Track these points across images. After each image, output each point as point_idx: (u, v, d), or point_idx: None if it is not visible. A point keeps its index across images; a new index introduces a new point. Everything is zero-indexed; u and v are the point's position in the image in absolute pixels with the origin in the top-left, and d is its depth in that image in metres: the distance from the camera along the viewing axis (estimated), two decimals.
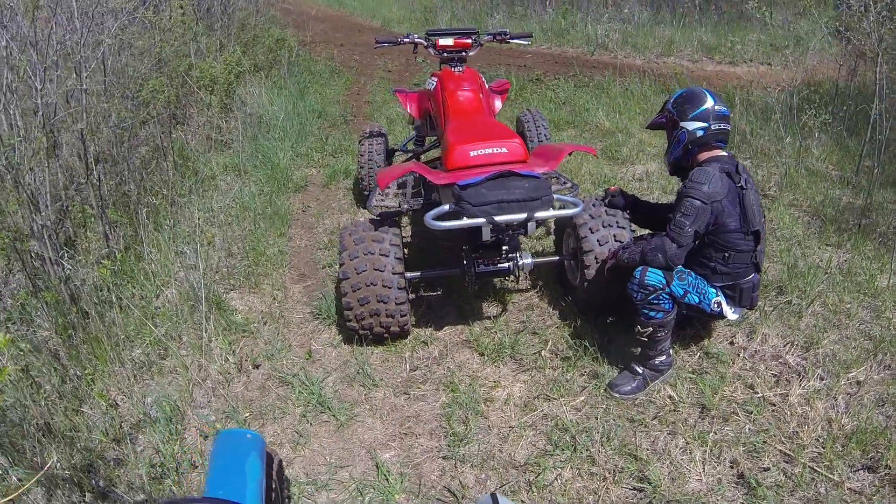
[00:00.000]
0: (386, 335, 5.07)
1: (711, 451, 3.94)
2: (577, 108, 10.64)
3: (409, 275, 5.02)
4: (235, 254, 6.45)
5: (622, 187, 5.62)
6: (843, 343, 4.75)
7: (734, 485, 3.75)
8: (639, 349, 4.53)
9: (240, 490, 2.49)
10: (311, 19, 19.01)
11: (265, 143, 9.28)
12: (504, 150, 4.82)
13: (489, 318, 5.46)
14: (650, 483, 3.74)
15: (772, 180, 7.34)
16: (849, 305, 5.15)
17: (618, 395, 4.43)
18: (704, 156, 4.42)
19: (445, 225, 4.55)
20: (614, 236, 4.93)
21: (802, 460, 3.79)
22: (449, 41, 6.40)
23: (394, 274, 4.78)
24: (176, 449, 4.11)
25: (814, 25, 13.36)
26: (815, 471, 3.75)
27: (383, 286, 4.75)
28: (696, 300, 4.35)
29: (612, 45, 15.02)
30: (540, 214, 4.57)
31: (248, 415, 4.55)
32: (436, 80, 6.11)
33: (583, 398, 4.48)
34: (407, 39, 6.61)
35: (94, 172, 6.16)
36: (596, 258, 4.91)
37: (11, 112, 5.65)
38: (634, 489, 3.78)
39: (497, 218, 4.48)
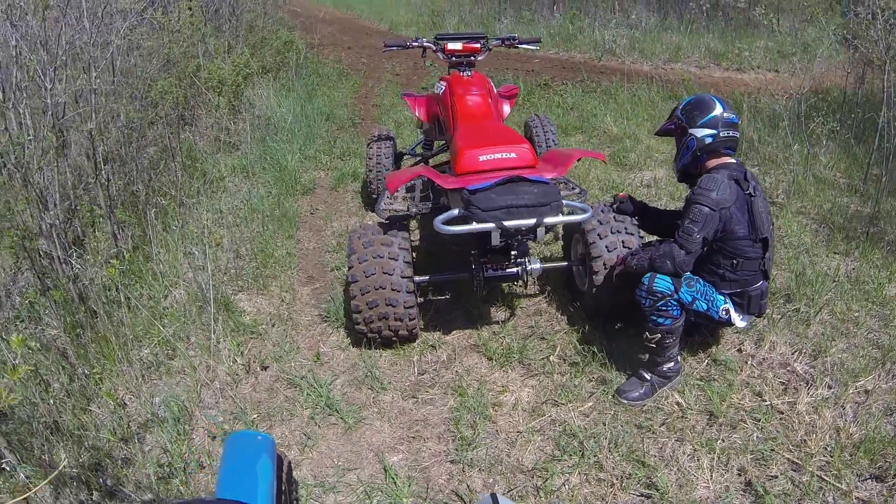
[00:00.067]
0: (394, 339, 5.07)
1: (719, 458, 3.94)
2: (585, 114, 10.64)
3: (417, 278, 5.03)
4: (244, 255, 6.47)
5: (630, 193, 5.61)
6: (851, 351, 4.75)
7: (742, 492, 3.75)
8: (647, 355, 4.53)
9: (251, 491, 2.49)
10: (319, 22, 19.06)
11: (273, 145, 9.30)
12: (513, 154, 4.84)
13: (497, 322, 5.46)
14: (658, 490, 3.74)
15: (779, 188, 7.33)
16: (857, 314, 5.15)
17: (626, 402, 4.43)
18: (713, 163, 4.42)
19: (455, 229, 4.56)
20: (623, 242, 4.93)
21: (810, 469, 3.79)
22: (458, 45, 6.41)
23: (402, 278, 4.78)
24: (184, 449, 4.12)
25: (821, 33, 13.38)
26: (823, 479, 3.75)
27: (392, 290, 4.76)
28: (705, 307, 4.36)
29: (619, 50, 15.03)
30: (549, 220, 4.57)
31: (255, 416, 4.56)
32: (444, 84, 6.12)
33: (591, 404, 4.48)
34: (416, 43, 6.62)
35: (103, 172, 6.18)
36: (604, 264, 4.91)
37: (21, 111, 5.67)
38: (642, 496, 3.78)
39: (506, 223, 4.49)
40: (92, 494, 3.68)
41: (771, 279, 4.83)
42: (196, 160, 8.50)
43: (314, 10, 24.66)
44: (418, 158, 7.37)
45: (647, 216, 5.17)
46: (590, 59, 15.01)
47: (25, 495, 3.31)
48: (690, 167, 4.54)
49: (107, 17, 7.70)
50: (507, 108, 6.59)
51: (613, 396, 4.49)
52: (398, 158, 7.63)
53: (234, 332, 5.33)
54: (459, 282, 5.60)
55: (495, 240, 4.61)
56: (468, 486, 3.91)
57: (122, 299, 5.20)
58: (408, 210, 5.60)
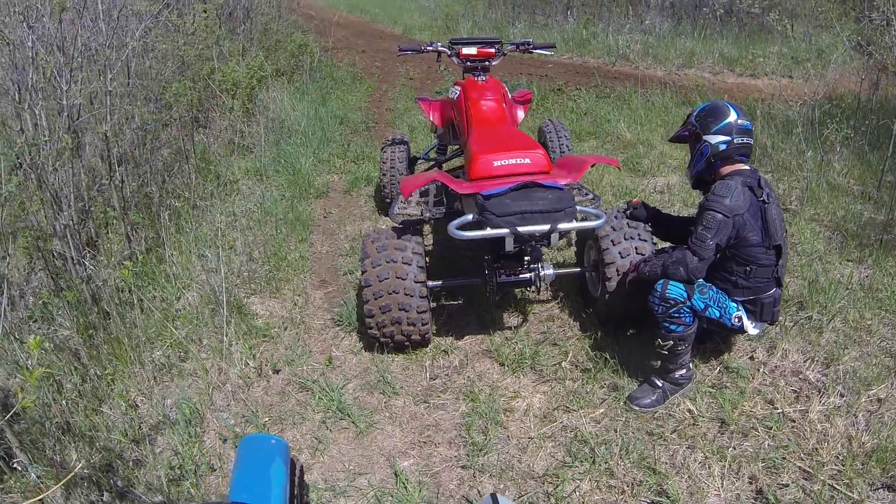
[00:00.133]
0: (407, 343, 5.08)
1: (730, 466, 3.94)
2: (599, 119, 10.64)
3: (430, 283, 5.04)
4: (257, 258, 6.49)
5: (643, 199, 5.61)
6: (863, 360, 4.73)
7: (753, 500, 3.75)
8: (659, 362, 4.54)
9: (264, 495, 2.51)
10: (333, 25, 19.05)
11: (287, 148, 9.33)
12: (527, 160, 4.84)
13: (510, 328, 5.47)
14: (668, 497, 3.75)
15: (793, 194, 7.32)
16: (870, 322, 5.14)
17: (637, 408, 4.43)
18: (727, 169, 4.42)
19: (469, 235, 4.57)
20: (636, 249, 4.93)
21: (822, 477, 3.78)
22: (472, 50, 6.42)
23: (416, 282, 4.79)
24: (195, 451, 4.14)
25: (835, 39, 13.32)
26: (835, 488, 3.74)
27: (405, 294, 4.76)
28: (717, 314, 4.36)
29: (633, 55, 15.01)
30: (563, 226, 4.58)
31: (267, 419, 4.58)
32: (459, 89, 6.13)
33: (602, 410, 4.48)
34: (430, 48, 6.63)
35: (117, 174, 6.21)
36: (617, 270, 4.91)
37: (37, 112, 5.71)
38: (653, 503, 3.78)
39: (520, 229, 4.49)
40: (103, 495, 3.70)
41: (784, 286, 4.82)
42: (210, 163, 8.53)
43: (328, 13, 24.66)
44: (432, 163, 7.39)
45: (660, 222, 5.17)
46: (603, 65, 15.01)
47: (40, 496, 3.33)
48: (704, 174, 4.54)
49: (122, 19, 7.74)
50: (521, 114, 6.60)
51: (625, 403, 4.49)
52: (412, 163, 7.64)
53: (246, 335, 5.35)
54: (472, 287, 5.61)
55: (509, 245, 4.62)
56: (479, 492, 3.93)
57: (135, 301, 5.22)
58: (421, 215, 5.62)
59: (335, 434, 4.45)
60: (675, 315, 4.28)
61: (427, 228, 7.02)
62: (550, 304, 5.74)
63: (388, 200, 7.35)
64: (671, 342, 4.34)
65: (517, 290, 5.78)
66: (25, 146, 5.27)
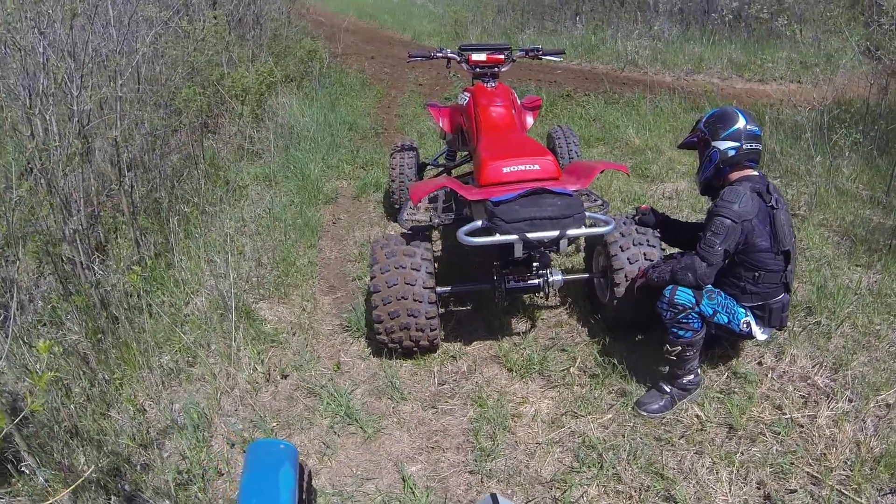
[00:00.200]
0: (415, 349, 5.09)
1: (738, 471, 3.93)
2: (607, 125, 10.64)
3: (439, 289, 5.04)
4: (265, 264, 6.50)
5: (652, 205, 5.61)
6: (872, 365, 4.72)
7: None
8: (667, 368, 4.54)
9: (273, 500, 2.52)
10: (343, 31, 19.08)
11: (296, 154, 9.35)
12: (537, 166, 4.84)
13: (518, 333, 5.47)
14: (676, 502, 3.74)
15: (801, 200, 7.31)
16: (878, 327, 5.13)
17: (645, 414, 4.43)
18: (736, 175, 4.42)
19: (478, 241, 4.57)
20: (644, 255, 4.93)
21: (830, 483, 3.77)
22: (482, 56, 6.42)
23: (425, 288, 4.80)
24: (203, 456, 4.15)
25: (844, 43, 13.31)
26: (843, 494, 3.73)
27: (414, 300, 4.77)
28: (726, 320, 4.35)
29: (641, 61, 15.02)
30: (572, 232, 4.58)
31: (275, 424, 4.58)
32: (468, 95, 6.14)
33: (610, 416, 4.48)
34: (440, 54, 6.64)
35: (127, 179, 6.23)
36: (626, 276, 4.91)
37: (47, 118, 5.73)
38: None
39: (529, 235, 4.50)
40: (110, 499, 3.71)
41: (792, 292, 4.81)
42: (219, 168, 8.56)
43: (338, 19, 24.71)
44: (441, 169, 7.40)
45: (668, 228, 5.18)
46: (612, 70, 15.02)
47: (50, 501, 3.34)
48: (713, 180, 4.54)
49: (133, 25, 7.77)
50: (530, 120, 6.60)
51: (633, 409, 4.49)
52: (421, 169, 7.66)
53: (254, 340, 5.36)
54: (481, 293, 5.62)
55: (518, 251, 4.62)
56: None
57: (144, 306, 5.24)
58: (430, 221, 5.62)
59: (343, 439, 4.46)
60: (684, 321, 4.29)
61: (436, 234, 7.02)
62: (559, 309, 5.75)
63: (397, 206, 7.36)
64: (679, 348, 4.34)
65: (525, 296, 5.79)
66: (36, 151, 5.29)
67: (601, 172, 5.64)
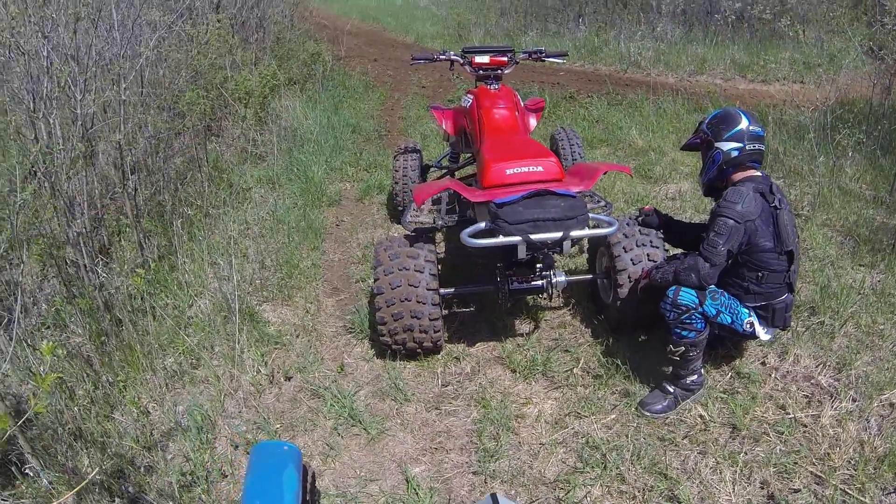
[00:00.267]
0: (419, 350, 5.09)
1: (742, 471, 3.93)
2: (611, 127, 10.65)
3: (443, 291, 5.05)
4: (269, 266, 6.51)
5: (655, 206, 5.62)
6: (875, 364, 4.72)
7: None
8: (670, 368, 4.54)
9: (277, 501, 2.52)
10: (346, 34, 19.09)
11: (299, 157, 9.36)
12: (540, 168, 4.85)
13: (521, 335, 5.48)
14: (680, 502, 3.74)
15: (805, 200, 7.31)
16: (882, 326, 5.13)
17: (649, 414, 4.43)
18: (739, 176, 4.42)
19: (481, 242, 4.57)
20: (648, 255, 4.93)
21: (833, 482, 3.77)
22: (485, 59, 6.43)
23: (428, 290, 4.80)
24: (206, 458, 4.16)
25: (847, 43, 13.31)
26: (847, 493, 3.73)
27: (417, 302, 4.77)
28: (729, 320, 4.36)
29: (644, 63, 15.01)
30: (575, 233, 4.58)
31: (278, 426, 4.59)
32: (471, 97, 6.15)
33: (614, 416, 4.48)
34: (443, 56, 6.65)
35: (130, 182, 6.25)
36: (629, 277, 4.91)
37: (51, 121, 5.74)
38: None
39: (533, 236, 4.50)
40: (114, 501, 3.71)
41: (796, 292, 4.82)
42: (222, 171, 8.57)
43: (341, 22, 24.76)
44: (444, 171, 7.41)
45: (672, 229, 5.18)
46: (615, 72, 15.02)
47: (55, 503, 3.35)
48: (716, 181, 4.54)
49: (136, 29, 7.79)
50: (533, 122, 6.60)
51: (636, 409, 4.49)
52: (424, 171, 7.67)
53: (258, 342, 5.36)
54: (484, 294, 5.62)
55: (521, 253, 4.62)
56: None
57: (147, 308, 5.25)
58: (434, 222, 5.62)
59: (347, 440, 4.46)
60: (687, 321, 4.29)
61: (439, 236, 7.03)
62: (562, 310, 5.75)
63: (400, 208, 7.37)
64: (683, 348, 4.34)
65: (529, 297, 5.79)
66: (40, 155, 5.30)
67: (604, 174, 5.64)
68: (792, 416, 4.32)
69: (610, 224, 4.81)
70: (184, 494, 3.85)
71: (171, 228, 6.49)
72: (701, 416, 4.39)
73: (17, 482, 3.76)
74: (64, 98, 6.04)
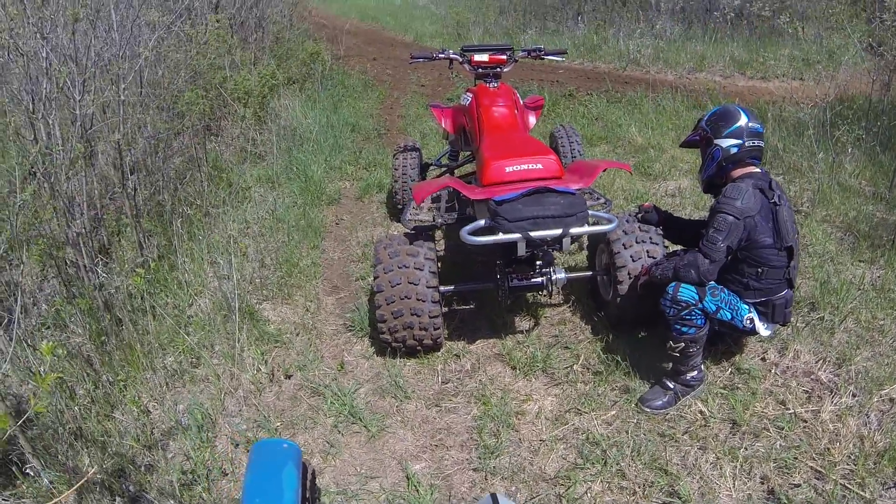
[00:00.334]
0: (419, 348, 5.10)
1: (742, 466, 3.94)
2: (610, 124, 10.65)
3: (442, 288, 5.05)
4: (268, 265, 6.51)
5: (655, 203, 5.61)
6: (875, 360, 4.72)
7: (764, 501, 3.74)
8: (670, 364, 4.54)
9: (276, 499, 2.52)
10: (345, 33, 19.08)
11: (299, 156, 9.36)
12: (539, 165, 4.85)
13: (521, 332, 5.48)
14: (680, 498, 3.75)
15: (804, 196, 7.31)
16: (882, 322, 5.13)
17: (649, 410, 4.44)
18: (738, 172, 4.42)
19: (481, 240, 4.57)
20: (647, 252, 4.94)
21: (834, 477, 3.77)
22: (484, 57, 6.43)
23: (428, 287, 4.81)
24: (207, 456, 4.17)
25: (846, 40, 13.30)
26: (847, 488, 3.73)
27: (417, 299, 4.78)
28: (729, 316, 4.36)
29: (643, 60, 15.01)
30: (575, 230, 4.58)
31: (279, 424, 4.59)
32: (471, 95, 6.15)
33: (614, 412, 4.49)
34: (442, 55, 6.65)
35: (130, 182, 6.25)
36: (629, 274, 4.92)
37: (50, 122, 5.74)
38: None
39: (532, 234, 4.50)
40: (115, 500, 3.71)
41: (796, 288, 4.82)
42: (222, 170, 8.56)
43: (339, 21, 24.73)
44: (444, 169, 7.41)
45: (671, 226, 5.18)
46: (614, 70, 15.03)
47: (54, 501, 3.35)
48: (716, 178, 4.55)
49: (135, 29, 7.79)
50: (532, 119, 6.61)
51: (636, 405, 4.49)
52: (424, 169, 7.67)
53: (258, 340, 5.37)
54: (484, 291, 5.61)
55: (521, 250, 4.63)
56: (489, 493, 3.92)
57: (147, 308, 5.25)
58: (433, 220, 5.62)
59: (347, 438, 4.47)
60: (687, 317, 4.29)
61: (439, 234, 7.04)
62: (562, 307, 5.75)
63: (400, 207, 7.38)
64: (683, 344, 4.34)
65: (529, 295, 5.79)
66: (39, 156, 5.31)
67: (604, 171, 5.66)
68: (792, 411, 4.32)
69: (609, 221, 4.82)
70: (184, 493, 3.85)
71: (171, 228, 6.49)
72: (701, 412, 4.39)
73: (18, 482, 3.77)
74: (63, 99, 6.04)
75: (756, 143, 4.38)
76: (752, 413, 4.32)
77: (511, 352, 5.17)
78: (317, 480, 3.62)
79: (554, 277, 5.01)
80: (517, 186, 4.70)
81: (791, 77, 13.05)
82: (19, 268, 5.23)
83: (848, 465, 3.88)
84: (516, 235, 4.52)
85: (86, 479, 3.39)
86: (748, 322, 4.40)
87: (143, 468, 3.99)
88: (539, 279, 5.05)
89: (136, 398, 4.58)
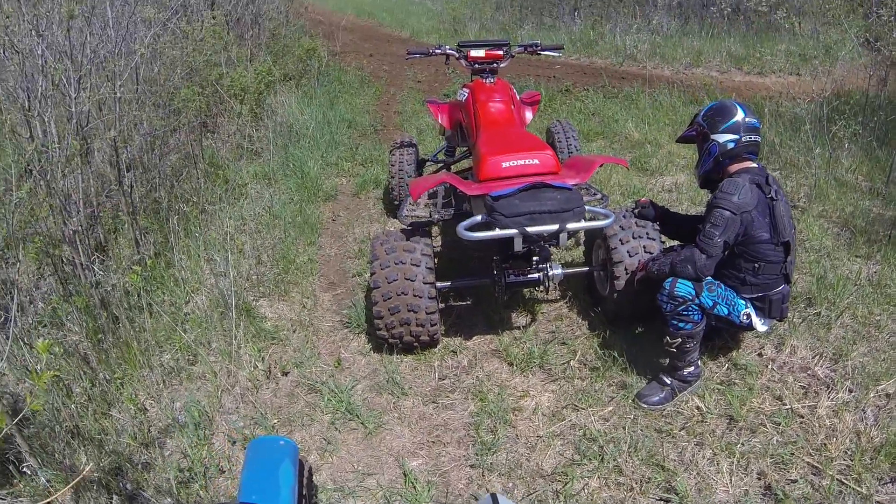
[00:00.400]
0: (415, 344, 5.09)
1: (739, 462, 3.94)
2: (607, 119, 10.65)
3: (439, 284, 5.05)
4: (265, 262, 6.50)
5: (652, 198, 5.62)
6: (872, 355, 4.72)
7: (761, 496, 3.75)
8: (667, 360, 4.54)
9: (273, 496, 2.52)
10: (341, 29, 19.05)
11: (295, 152, 9.35)
12: (536, 161, 4.84)
13: (518, 328, 5.48)
14: (677, 494, 3.75)
15: (801, 191, 7.31)
16: (878, 317, 5.13)
17: (646, 406, 4.44)
18: (735, 167, 4.42)
19: (478, 235, 4.58)
20: (644, 247, 4.94)
21: (830, 473, 3.78)
22: (480, 53, 6.43)
23: (424, 284, 4.81)
24: (204, 454, 4.16)
25: (843, 35, 13.30)
26: (844, 483, 3.74)
27: (414, 296, 4.78)
28: (726, 311, 4.36)
29: (640, 55, 15.02)
30: (572, 226, 4.58)
31: (276, 421, 4.59)
32: (467, 91, 6.14)
33: (611, 408, 4.49)
34: (439, 51, 6.65)
35: (126, 179, 6.23)
36: (626, 269, 4.92)
37: (46, 119, 5.73)
38: (661, 499, 3.78)
39: (529, 229, 4.50)
40: (112, 499, 3.71)
41: (792, 283, 4.82)
42: (218, 167, 8.55)
43: (336, 18, 24.69)
44: (440, 165, 7.41)
45: (668, 221, 5.18)
46: (611, 65, 15.03)
47: (49, 499, 3.34)
48: (712, 173, 4.54)
49: (131, 26, 7.77)
50: (529, 115, 6.60)
51: (633, 401, 4.50)
52: (420, 165, 7.67)
53: (255, 337, 5.36)
54: (481, 287, 5.62)
55: (518, 246, 4.63)
56: (487, 491, 3.93)
57: (144, 305, 5.24)
58: (430, 216, 5.63)
59: (344, 435, 4.47)
60: (684, 313, 4.29)
61: (436, 230, 7.03)
62: (559, 303, 5.75)
63: (396, 203, 7.38)
64: (679, 340, 4.34)
65: (525, 290, 5.79)
66: (35, 153, 5.29)
67: (601, 166, 5.65)
68: (789, 406, 4.33)
69: (606, 216, 4.81)
70: (181, 490, 3.85)
71: (168, 225, 6.48)
72: (698, 408, 4.39)
73: (15, 480, 3.76)
74: (59, 96, 6.03)
75: (753, 139, 4.38)
76: (748, 409, 4.32)
77: (508, 348, 5.17)
78: (314, 477, 3.62)
79: (551, 273, 5.01)
80: (514, 182, 4.69)
81: (788, 72, 13.07)
82: (16, 266, 5.20)
83: (844, 460, 3.89)
84: (513, 231, 4.52)
85: (81, 476, 3.39)
86: (745, 317, 4.40)
87: (140, 466, 3.99)
88: (536, 275, 5.05)
89: (133, 396, 4.58)
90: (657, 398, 4.45)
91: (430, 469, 4.16)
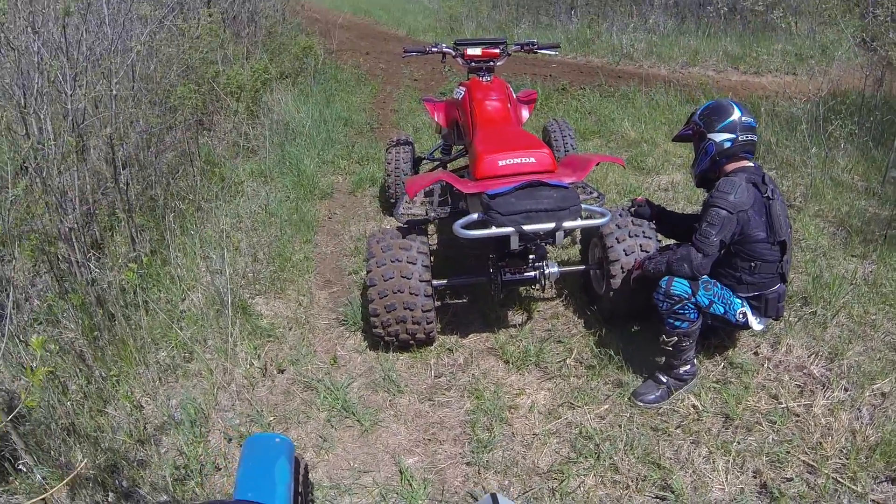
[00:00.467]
0: (411, 342, 5.09)
1: (734, 460, 3.94)
2: (603, 118, 10.64)
3: (435, 282, 5.05)
4: (261, 259, 6.50)
5: (648, 197, 5.63)
6: (867, 354, 4.74)
7: (757, 494, 3.75)
8: (663, 358, 4.54)
9: (269, 493, 2.52)
10: (338, 27, 19.03)
11: (291, 150, 9.34)
12: (532, 159, 4.84)
13: (514, 326, 5.48)
14: (673, 492, 3.75)
15: (797, 191, 7.32)
16: (874, 317, 5.14)
17: (642, 404, 4.44)
18: (731, 167, 4.42)
19: (474, 234, 4.58)
20: (640, 246, 4.94)
21: (826, 471, 3.79)
22: (477, 51, 6.43)
23: (421, 281, 4.80)
24: (200, 451, 4.16)
25: (840, 35, 13.30)
26: (839, 482, 3.74)
27: (410, 293, 4.78)
28: (722, 310, 4.36)
29: (637, 55, 15.03)
30: (568, 224, 4.58)
31: (272, 419, 4.59)
32: (464, 89, 6.15)
33: (607, 406, 4.49)
34: (435, 49, 6.65)
35: (122, 177, 6.23)
36: (622, 268, 4.92)
37: (42, 117, 5.72)
38: (657, 497, 3.78)
39: (525, 227, 4.50)
40: (108, 496, 3.71)
41: (788, 282, 4.83)
42: (214, 165, 8.54)
43: (332, 16, 24.65)
44: (437, 163, 7.41)
45: (664, 220, 5.18)
46: (607, 64, 15.03)
47: (43, 496, 3.34)
48: (709, 172, 4.55)
49: (127, 23, 7.76)
50: (525, 113, 6.61)
51: (629, 399, 4.50)
52: (417, 163, 7.66)
53: (251, 335, 5.36)
54: (477, 285, 5.62)
55: (514, 244, 4.62)
56: (483, 489, 3.93)
57: (140, 302, 5.23)
58: (426, 214, 5.62)
59: (340, 432, 4.46)
60: (680, 311, 4.29)
61: (432, 228, 7.03)
62: (555, 301, 5.76)
63: (392, 201, 7.39)
64: (675, 338, 4.35)
65: (522, 289, 5.79)
66: (31, 150, 5.29)
67: (597, 165, 5.65)
68: (784, 405, 4.33)
69: (602, 215, 4.81)
70: (177, 488, 3.85)
71: (164, 223, 6.48)
72: (694, 406, 4.40)
73: (11, 478, 3.76)
74: (55, 93, 6.02)
75: (749, 138, 4.39)
76: (744, 407, 4.33)
77: (504, 346, 5.17)
78: (310, 475, 3.62)
79: (547, 271, 5.01)
80: (510, 180, 4.69)
81: (784, 72, 13.06)
82: (11, 263, 5.20)
83: (840, 459, 3.89)
84: (509, 229, 4.51)
85: (76, 473, 3.39)
86: (741, 316, 4.41)
87: (135, 463, 3.98)
88: (532, 273, 5.04)
89: (129, 393, 4.57)
90: (653, 396, 4.46)
91: (426, 466, 4.16)
